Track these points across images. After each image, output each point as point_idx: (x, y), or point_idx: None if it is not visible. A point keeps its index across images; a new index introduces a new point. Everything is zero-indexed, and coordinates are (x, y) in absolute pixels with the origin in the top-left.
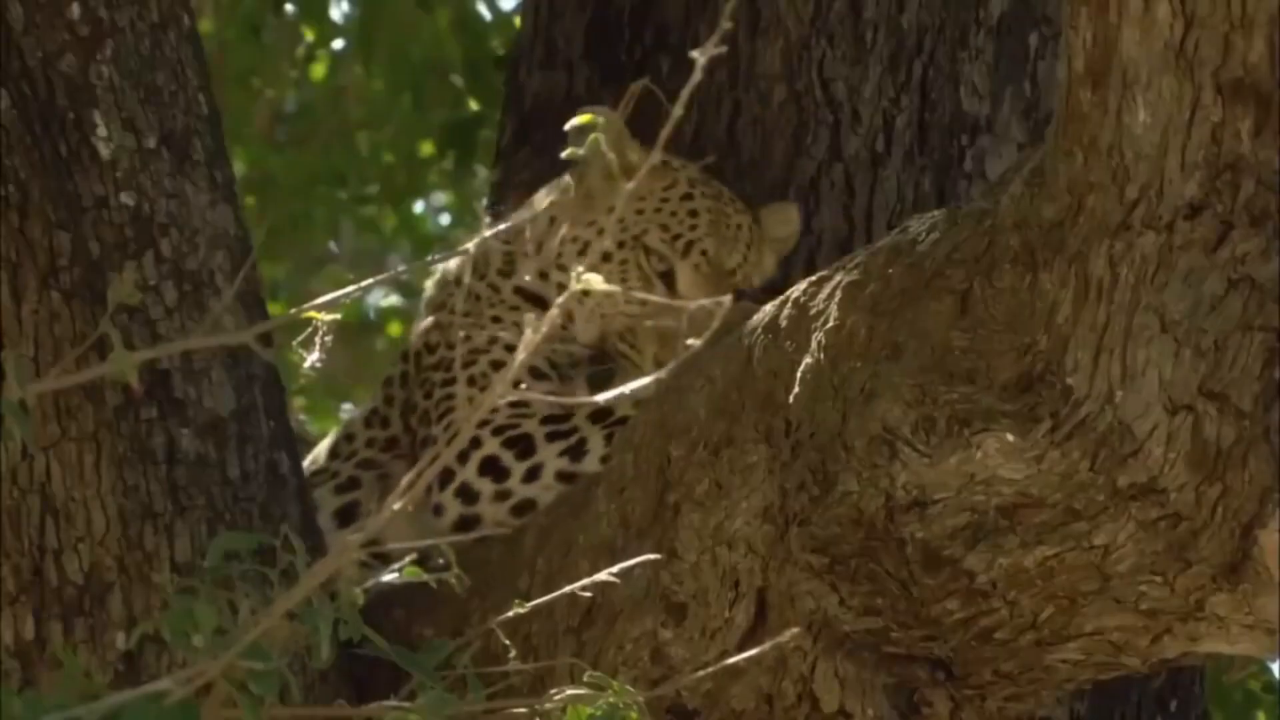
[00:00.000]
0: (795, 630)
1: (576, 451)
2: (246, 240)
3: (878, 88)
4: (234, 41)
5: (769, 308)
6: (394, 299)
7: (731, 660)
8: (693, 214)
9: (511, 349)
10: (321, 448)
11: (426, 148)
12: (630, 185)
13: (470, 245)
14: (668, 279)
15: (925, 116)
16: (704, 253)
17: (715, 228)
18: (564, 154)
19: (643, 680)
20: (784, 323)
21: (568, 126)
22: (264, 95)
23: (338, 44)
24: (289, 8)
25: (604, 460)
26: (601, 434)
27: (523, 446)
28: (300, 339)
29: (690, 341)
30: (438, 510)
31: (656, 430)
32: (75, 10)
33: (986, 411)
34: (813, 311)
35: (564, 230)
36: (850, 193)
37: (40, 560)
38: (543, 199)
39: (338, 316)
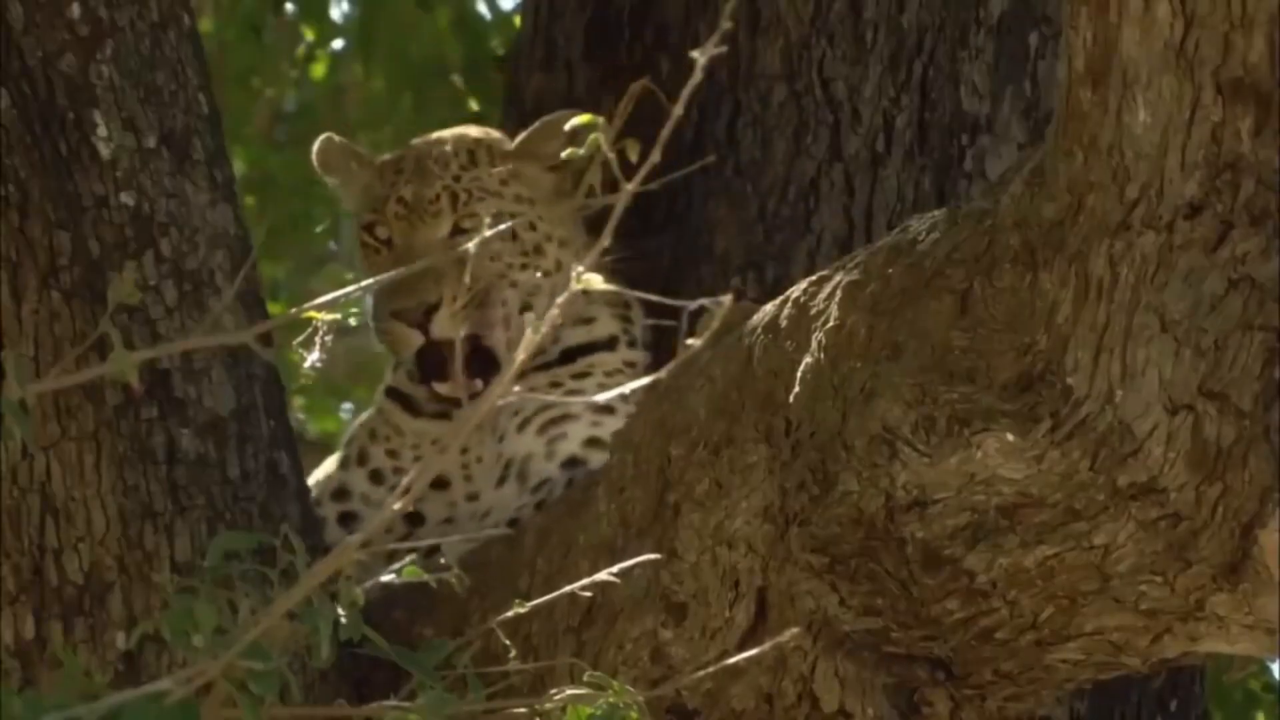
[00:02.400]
0: (795, 630)
1: None
2: (246, 240)
3: (878, 88)
4: (234, 41)
5: (769, 308)
6: None
7: (731, 660)
8: (397, 171)
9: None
10: None
11: None
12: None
13: (471, 246)
14: (389, 244)
15: (925, 116)
16: (400, 199)
17: (418, 171)
18: (564, 154)
19: (643, 680)
20: (784, 322)
21: (567, 127)
22: (264, 95)
23: (338, 44)
24: (289, 8)
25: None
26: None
27: None
28: (300, 339)
29: (690, 341)
30: None
31: (656, 430)
32: (75, 10)
33: (986, 411)
34: (813, 311)
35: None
36: (850, 193)
37: (40, 560)
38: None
39: (338, 316)
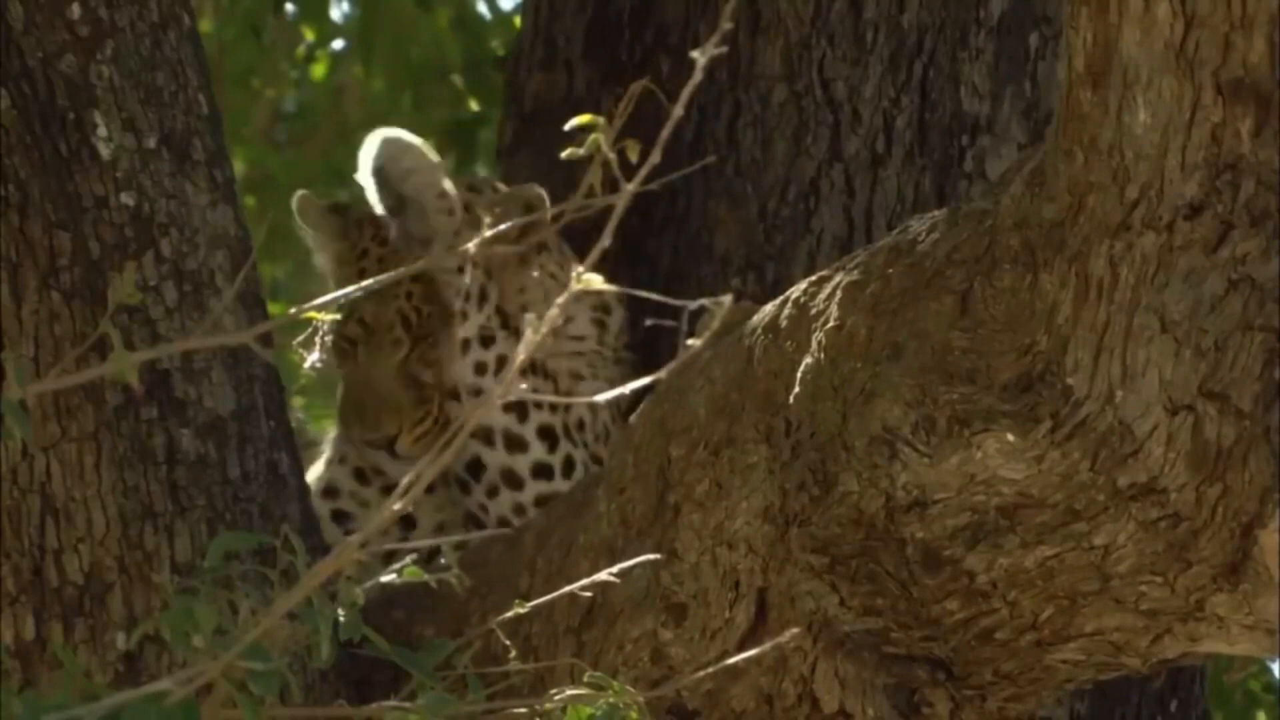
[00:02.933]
0: (795, 630)
1: None
2: (246, 240)
3: (878, 88)
4: (234, 41)
5: (769, 308)
6: None
7: (731, 660)
8: (360, 271)
9: None
10: None
11: None
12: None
13: (471, 246)
14: (355, 348)
15: (925, 116)
16: (360, 320)
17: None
18: (564, 154)
19: (643, 680)
20: (784, 323)
21: (568, 127)
22: (264, 95)
23: (338, 44)
24: (289, 8)
25: None
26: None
27: None
28: (300, 339)
29: (690, 342)
30: None
31: (656, 430)
32: (75, 10)
33: (986, 411)
34: (813, 311)
35: None
36: (850, 193)
37: (40, 560)
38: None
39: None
